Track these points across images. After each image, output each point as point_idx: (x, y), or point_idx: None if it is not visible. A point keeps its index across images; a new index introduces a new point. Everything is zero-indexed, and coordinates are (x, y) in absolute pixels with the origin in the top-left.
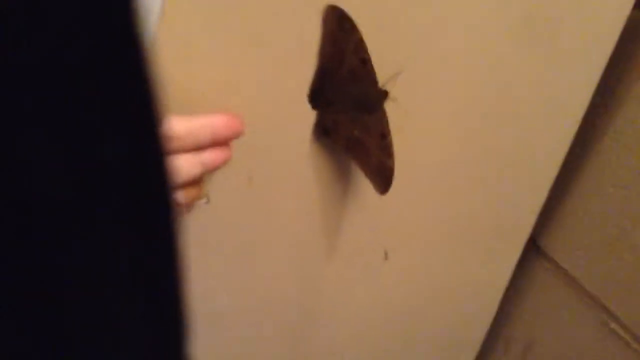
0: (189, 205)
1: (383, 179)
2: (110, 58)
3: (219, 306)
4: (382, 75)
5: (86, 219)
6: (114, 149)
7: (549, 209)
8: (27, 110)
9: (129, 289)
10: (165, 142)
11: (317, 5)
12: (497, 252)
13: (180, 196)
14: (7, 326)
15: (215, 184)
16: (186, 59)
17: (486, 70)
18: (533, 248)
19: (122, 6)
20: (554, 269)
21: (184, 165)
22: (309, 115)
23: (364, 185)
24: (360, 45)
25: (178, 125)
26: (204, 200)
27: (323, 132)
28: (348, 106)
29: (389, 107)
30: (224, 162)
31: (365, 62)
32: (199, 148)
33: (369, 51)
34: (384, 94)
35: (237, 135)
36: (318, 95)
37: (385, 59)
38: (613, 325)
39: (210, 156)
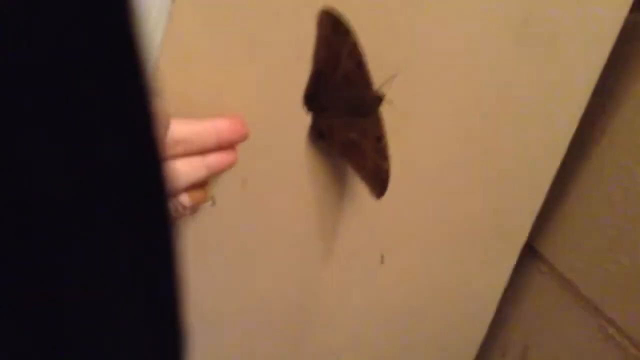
0: (195, 208)
1: (379, 182)
2: (110, 58)
3: (216, 309)
4: (380, 77)
5: (86, 219)
6: (113, 149)
7: (545, 212)
8: (27, 110)
9: (129, 289)
10: (164, 143)
11: (313, 9)
12: (494, 255)
13: (186, 199)
14: (7, 326)
15: (211, 187)
16: (182, 63)
17: (483, 73)
18: (529, 251)
19: (122, 7)
20: (550, 273)
21: (189, 168)
22: (305, 119)
23: (360, 188)
24: (355, 49)
25: (183, 129)
26: (209, 203)
27: (319, 135)
28: (343, 110)
29: (385, 109)
30: (230, 165)
31: (360, 65)
32: (204, 151)
33: (364, 54)
34: (380, 97)
35: (242, 139)
36: (313, 99)
37: (382, 62)
38: (610, 329)
39: (215, 159)
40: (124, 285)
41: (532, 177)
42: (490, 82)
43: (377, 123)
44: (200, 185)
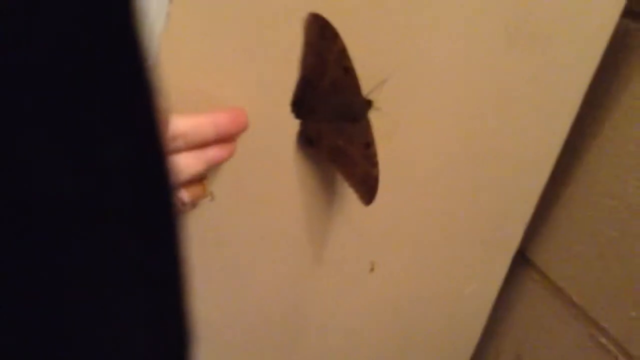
0: (194, 204)
1: (368, 188)
2: (110, 58)
3: (206, 317)
4: (369, 82)
5: (86, 219)
6: (114, 149)
7: (537, 220)
8: (27, 110)
9: (130, 289)
10: (166, 142)
11: (301, 13)
12: (486, 262)
13: (185, 194)
14: (7, 326)
15: (209, 182)
16: (172, 66)
17: (473, 80)
18: (522, 259)
19: (122, 6)
20: (542, 281)
21: (188, 163)
22: (294, 125)
23: (350, 195)
24: (342, 54)
25: (182, 123)
26: (208, 199)
27: (307, 141)
28: (331, 116)
29: (374, 115)
30: (228, 158)
31: (348, 71)
32: (203, 145)
33: (353, 59)
34: (368, 103)
35: (242, 130)
36: (301, 105)
37: (371, 67)
38: (600, 338)
39: (214, 153)
40: (125, 285)
41: (523, 184)
42: (480, 88)
43: (366, 129)
44: (199, 180)
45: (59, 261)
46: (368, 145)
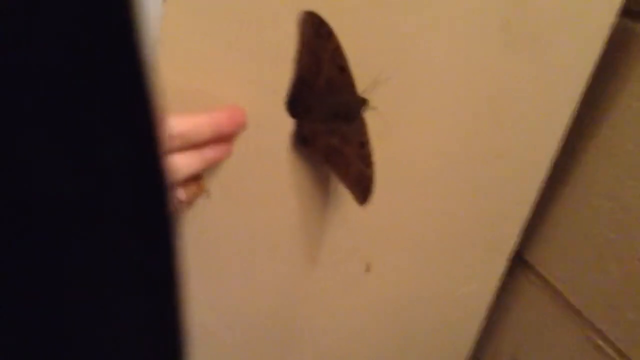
0: (190, 202)
1: (362, 188)
2: (110, 58)
3: (199, 320)
4: (364, 81)
5: (86, 219)
6: (113, 148)
7: (534, 222)
8: (27, 110)
9: (129, 289)
10: (164, 142)
11: (296, 12)
12: (482, 263)
13: (182, 193)
14: (8, 326)
15: (205, 180)
16: (168, 65)
17: (470, 79)
18: (519, 261)
19: (122, 7)
20: (539, 283)
21: (185, 163)
22: (289, 124)
23: (345, 195)
24: (337, 53)
25: (180, 123)
26: (204, 196)
27: (302, 141)
28: (326, 115)
29: (369, 115)
30: (226, 157)
31: (342, 69)
32: (200, 144)
33: (348, 58)
34: (363, 102)
35: (240, 130)
36: (295, 105)
37: (366, 66)
38: (598, 340)
39: (211, 152)
40: (124, 285)
41: (520, 185)
42: (477, 88)
43: (361, 128)
44: (195, 179)
45: (59, 261)
46: (363, 145)
